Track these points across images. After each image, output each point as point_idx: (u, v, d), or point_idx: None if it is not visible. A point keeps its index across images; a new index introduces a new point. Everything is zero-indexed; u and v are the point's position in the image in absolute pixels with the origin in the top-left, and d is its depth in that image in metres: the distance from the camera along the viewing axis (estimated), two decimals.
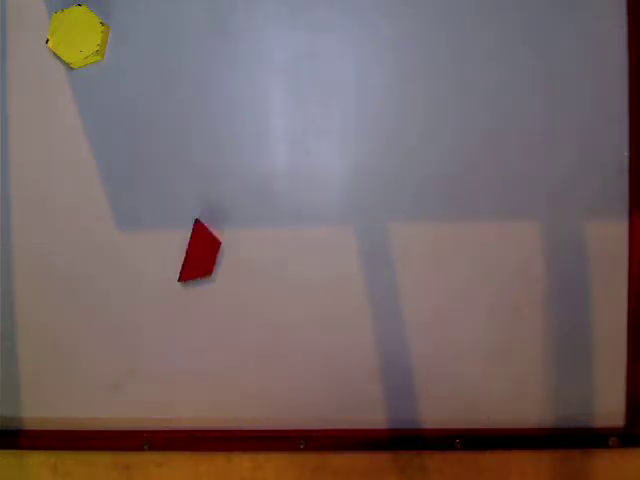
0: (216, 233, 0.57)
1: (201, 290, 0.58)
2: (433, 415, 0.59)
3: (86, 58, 0.55)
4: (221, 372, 0.59)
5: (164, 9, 0.57)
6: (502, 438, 0.58)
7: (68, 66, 0.57)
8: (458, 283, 0.58)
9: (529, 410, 0.58)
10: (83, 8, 0.55)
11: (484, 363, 0.58)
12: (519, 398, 0.58)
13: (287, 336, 0.59)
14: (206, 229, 0.57)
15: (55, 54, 0.56)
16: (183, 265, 0.57)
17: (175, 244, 0.58)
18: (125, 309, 0.59)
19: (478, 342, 0.58)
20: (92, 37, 0.55)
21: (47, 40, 0.55)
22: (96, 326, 0.59)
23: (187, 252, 0.56)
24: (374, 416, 0.59)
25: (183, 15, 0.56)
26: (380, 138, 0.57)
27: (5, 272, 0.59)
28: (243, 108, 0.57)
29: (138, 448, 0.59)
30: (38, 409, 0.60)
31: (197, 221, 0.56)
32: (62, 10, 0.55)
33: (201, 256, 0.57)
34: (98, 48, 0.55)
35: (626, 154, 0.56)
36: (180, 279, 0.57)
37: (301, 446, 0.58)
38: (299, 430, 0.59)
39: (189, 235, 0.57)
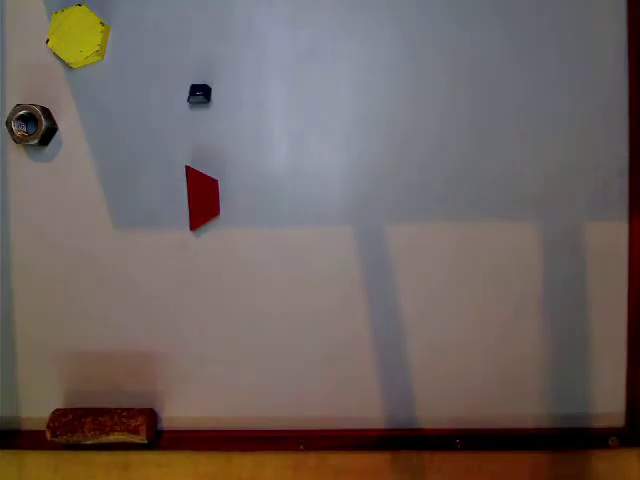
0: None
1: (200, 289, 0.58)
2: (433, 415, 0.59)
3: (86, 58, 0.56)
4: (221, 372, 0.59)
5: (164, 9, 0.57)
6: (502, 438, 0.58)
7: (68, 66, 0.57)
8: (458, 283, 0.58)
9: (529, 410, 0.58)
10: (83, 8, 0.55)
11: (484, 363, 0.58)
12: (519, 398, 0.58)
13: (286, 335, 0.59)
14: (199, 173, 0.55)
15: (55, 54, 0.56)
16: (190, 214, 0.56)
17: (176, 244, 0.58)
18: (124, 310, 0.59)
19: (478, 342, 0.58)
20: (92, 37, 0.55)
21: (47, 40, 0.55)
22: (95, 326, 0.59)
23: (189, 200, 0.55)
24: (374, 416, 0.59)
25: (183, 15, 0.57)
26: (380, 138, 0.57)
27: (4, 273, 0.59)
28: (243, 108, 0.57)
29: (138, 448, 0.59)
30: (38, 409, 0.60)
31: (188, 168, 0.55)
32: (62, 10, 0.55)
33: (204, 200, 0.56)
34: (98, 48, 0.55)
35: (626, 154, 0.56)
36: (191, 228, 0.56)
37: (301, 446, 0.58)
38: (299, 430, 0.59)
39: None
